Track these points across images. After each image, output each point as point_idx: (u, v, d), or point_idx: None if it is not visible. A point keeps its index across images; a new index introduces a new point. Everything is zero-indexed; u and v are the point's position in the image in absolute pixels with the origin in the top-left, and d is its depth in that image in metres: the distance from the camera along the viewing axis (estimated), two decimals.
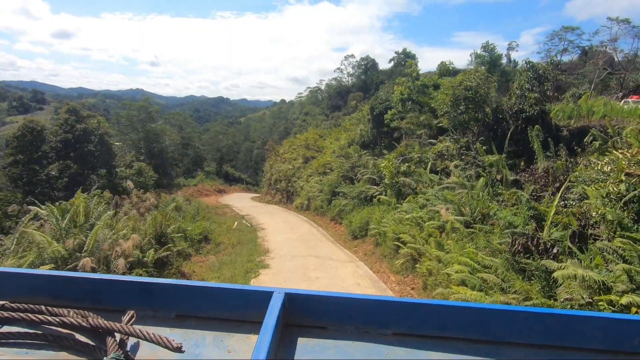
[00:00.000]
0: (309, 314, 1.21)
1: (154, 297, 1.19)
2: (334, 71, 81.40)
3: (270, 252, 15.19)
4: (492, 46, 29.47)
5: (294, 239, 17.70)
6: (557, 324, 1.12)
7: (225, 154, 67.55)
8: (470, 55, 32.57)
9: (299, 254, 14.74)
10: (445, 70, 26.70)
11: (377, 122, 28.00)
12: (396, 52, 65.80)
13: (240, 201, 36.35)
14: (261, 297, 1.17)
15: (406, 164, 16.03)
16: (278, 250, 15.43)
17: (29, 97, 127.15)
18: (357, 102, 53.98)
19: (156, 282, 1.20)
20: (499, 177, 13.02)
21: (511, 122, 14.77)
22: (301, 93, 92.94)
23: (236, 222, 23.37)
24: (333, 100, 73.03)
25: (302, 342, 1.15)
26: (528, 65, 16.07)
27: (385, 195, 17.48)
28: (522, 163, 13.60)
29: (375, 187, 20.38)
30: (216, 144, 66.54)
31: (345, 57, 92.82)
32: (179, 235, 15.31)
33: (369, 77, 70.24)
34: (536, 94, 14.45)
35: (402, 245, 12.56)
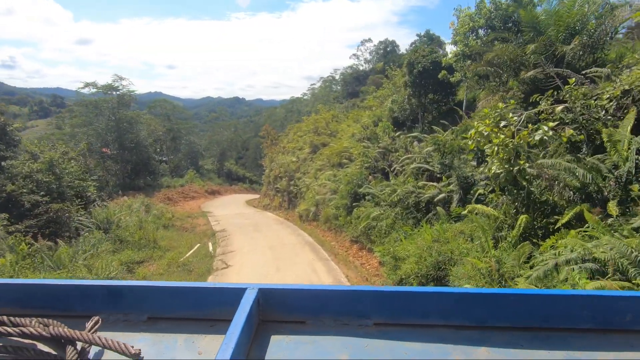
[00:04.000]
0: (285, 309, 1.19)
1: (124, 301, 1.16)
2: (350, 57, 71.25)
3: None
4: None
5: None
6: (542, 305, 1.12)
7: (227, 149, 59.01)
8: None
9: None
10: None
11: (420, 84, 18.37)
12: (418, 35, 55.28)
13: (229, 206, 27.33)
14: (234, 294, 1.16)
15: (547, 126, 6.34)
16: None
17: (48, 102, 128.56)
18: (376, 87, 44.22)
19: (126, 284, 1.20)
20: None
21: None
22: (314, 84, 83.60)
23: (197, 245, 14.28)
24: (349, 86, 62.97)
25: (276, 339, 1.14)
26: None
27: (482, 202, 7.95)
28: None
29: (434, 184, 10.87)
30: (215, 137, 57.99)
31: (362, 41, 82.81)
32: None
33: (388, 61, 59.89)
34: None
35: None
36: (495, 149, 6.25)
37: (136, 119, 33.72)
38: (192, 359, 1.01)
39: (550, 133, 6.47)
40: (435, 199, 10.22)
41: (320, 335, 1.12)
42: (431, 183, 10.75)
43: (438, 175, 11.62)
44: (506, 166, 6.17)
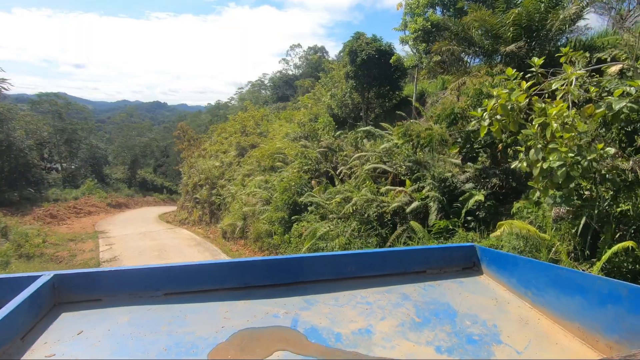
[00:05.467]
0: (82, 290, 1.40)
1: None
2: (279, 62, 68.84)
3: None
4: None
5: None
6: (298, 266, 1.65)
7: (141, 156, 51.38)
8: None
9: None
10: None
11: (365, 76, 15.95)
12: (352, 36, 54.99)
13: (134, 223, 22.02)
14: (29, 282, 1.29)
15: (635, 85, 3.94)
16: None
17: None
18: (309, 88, 41.75)
19: None
20: None
21: None
22: (241, 88, 78.76)
23: None
24: (279, 90, 59.93)
25: (67, 315, 1.32)
26: None
27: (474, 214, 5.27)
28: None
29: (402, 188, 8.14)
30: (127, 142, 50.10)
31: (291, 46, 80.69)
32: None
33: (320, 65, 58.31)
34: None
35: None
36: (555, 126, 3.55)
37: (6, 115, 26.21)
38: None
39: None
40: (408, 209, 7.47)
41: (112, 308, 1.37)
42: (400, 188, 7.99)
43: (402, 178, 8.98)
44: (572, 155, 3.48)
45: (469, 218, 6.76)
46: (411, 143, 7.93)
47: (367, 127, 11.46)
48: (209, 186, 20.85)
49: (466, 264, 1.88)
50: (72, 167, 38.18)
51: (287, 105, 38.12)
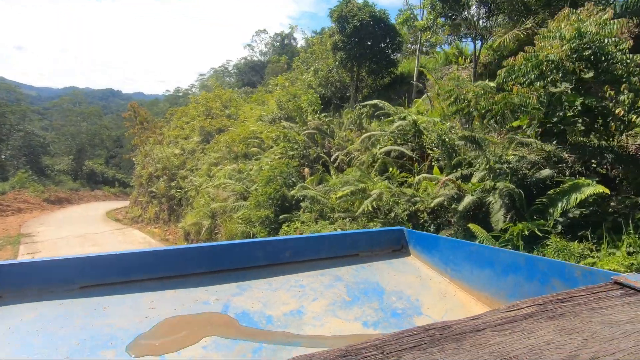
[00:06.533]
0: None
1: None
2: (244, 48, 65.22)
3: None
4: None
5: None
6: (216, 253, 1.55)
7: (88, 145, 45.61)
8: None
9: None
10: None
11: (357, 46, 13.51)
12: (314, 32, 52.09)
13: (73, 223, 18.27)
14: None
15: None
16: None
17: None
18: (283, 67, 38.44)
19: None
20: None
21: None
22: (203, 74, 73.21)
23: None
24: (244, 76, 56.10)
25: None
26: None
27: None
28: None
29: (451, 178, 5.81)
30: (72, 129, 44.23)
31: (256, 31, 76.23)
32: None
33: (287, 51, 55.08)
34: None
35: None
36: None
37: None
38: None
39: None
40: (460, 207, 5.18)
41: (16, 305, 1.20)
42: (444, 177, 5.66)
43: (433, 164, 6.68)
44: None
45: (560, 219, 4.59)
46: (462, 113, 5.61)
47: (374, 101, 9.02)
48: (168, 177, 17.57)
49: (395, 246, 1.94)
50: (1, 157, 32.61)
51: (255, 91, 34.73)
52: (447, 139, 6.10)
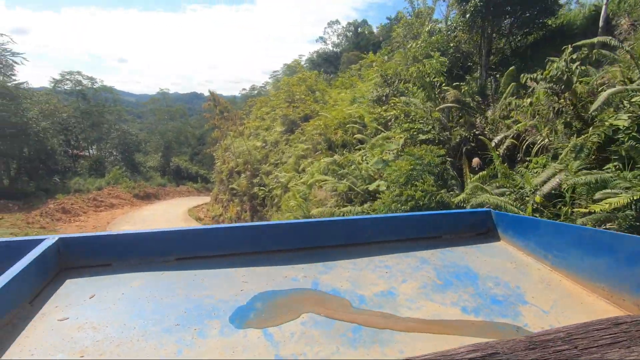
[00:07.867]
0: (90, 255, 1.29)
1: None
2: (316, 41, 63.81)
3: None
4: None
5: None
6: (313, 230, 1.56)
7: (175, 142, 47.69)
8: None
9: None
10: None
11: None
12: (388, 18, 47.12)
13: (159, 222, 17.42)
14: (32, 246, 1.19)
15: None
16: None
17: None
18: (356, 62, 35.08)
19: None
20: None
21: None
22: (277, 70, 73.05)
23: None
24: (318, 68, 53.86)
25: (73, 281, 1.20)
26: None
27: None
28: None
29: None
30: (160, 126, 46.56)
31: (329, 23, 73.67)
32: None
33: (362, 39, 51.47)
34: None
35: None
36: None
37: (16, 94, 22.34)
38: None
39: None
40: None
41: (123, 273, 1.26)
42: None
43: None
44: None
45: None
46: None
47: (602, 37, 5.31)
48: (250, 173, 15.61)
49: (481, 229, 1.79)
50: (101, 153, 34.82)
51: (334, 79, 31.89)
52: None
